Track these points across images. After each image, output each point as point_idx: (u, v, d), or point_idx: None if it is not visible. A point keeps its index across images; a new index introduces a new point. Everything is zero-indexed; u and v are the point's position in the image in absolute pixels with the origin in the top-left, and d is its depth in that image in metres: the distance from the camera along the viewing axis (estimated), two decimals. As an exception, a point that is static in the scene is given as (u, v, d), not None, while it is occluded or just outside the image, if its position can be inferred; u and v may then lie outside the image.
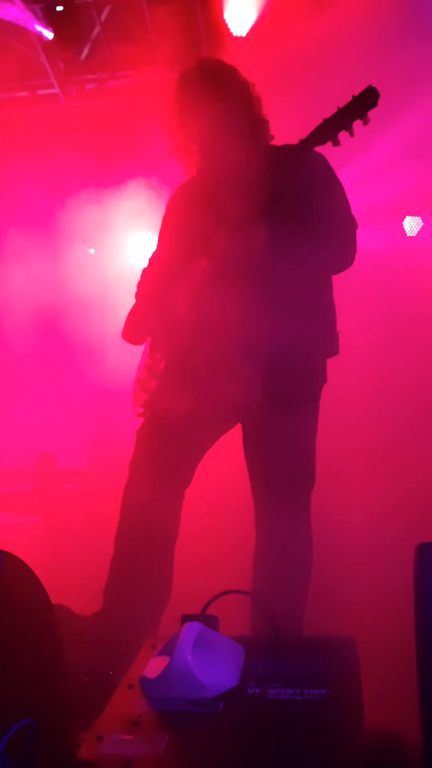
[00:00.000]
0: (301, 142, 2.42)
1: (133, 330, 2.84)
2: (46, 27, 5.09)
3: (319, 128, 2.38)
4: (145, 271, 2.90)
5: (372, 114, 2.39)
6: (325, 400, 2.66)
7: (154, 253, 2.93)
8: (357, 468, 3.58)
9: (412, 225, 5.89)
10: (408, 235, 5.84)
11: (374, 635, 2.18)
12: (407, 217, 5.85)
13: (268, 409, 2.54)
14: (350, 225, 2.59)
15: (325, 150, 2.61)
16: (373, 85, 2.33)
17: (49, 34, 5.11)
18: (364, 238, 2.67)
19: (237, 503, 2.82)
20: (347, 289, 2.93)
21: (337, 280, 2.72)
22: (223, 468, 2.96)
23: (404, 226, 5.87)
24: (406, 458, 3.72)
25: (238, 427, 2.70)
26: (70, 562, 3.61)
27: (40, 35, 5.18)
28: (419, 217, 5.84)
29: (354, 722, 1.58)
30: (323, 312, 2.63)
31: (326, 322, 2.63)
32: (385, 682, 1.99)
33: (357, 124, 2.35)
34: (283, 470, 2.53)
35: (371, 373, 4.22)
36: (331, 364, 2.68)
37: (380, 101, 2.33)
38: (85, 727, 1.64)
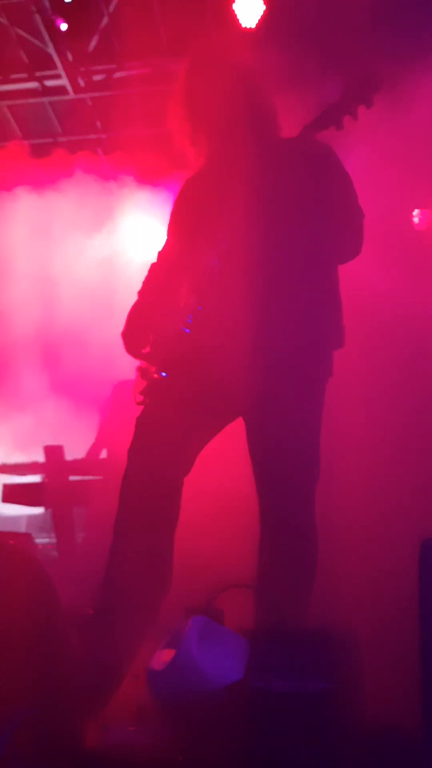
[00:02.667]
0: (305, 127, 2.42)
1: (131, 331, 2.79)
2: (57, 17, 5.10)
3: (322, 114, 2.38)
4: (153, 266, 2.91)
5: (382, 104, 2.39)
6: (329, 392, 2.66)
7: (163, 248, 2.93)
8: (360, 462, 3.58)
9: (421, 217, 5.89)
10: (417, 228, 5.84)
11: (377, 629, 2.20)
12: (416, 209, 5.85)
13: (272, 401, 2.54)
14: (355, 214, 2.57)
15: (334, 141, 2.61)
16: (382, 73, 2.34)
17: (63, 26, 5.10)
18: (372, 230, 2.66)
19: (242, 496, 2.83)
20: (355, 282, 2.93)
21: (344, 273, 2.71)
22: (228, 460, 2.97)
23: (413, 219, 5.86)
24: (409, 452, 3.72)
25: (242, 419, 2.70)
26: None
27: (48, 25, 5.18)
28: (429, 210, 5.83)
29: (355, 715, 1.60)
30: (329, 304, 2.63)
31: (332, 314, 2.63)
32: (387, 675, 2.01)
33: (361, 109, 2.36)
34: (287, 463, 2.53)
35: (375, 365, 4.21)
36: (335, 357, 2.68)
37: (391, 90, 2.34)
38: (92, 717, 1.67)
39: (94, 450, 5.19)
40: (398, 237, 5.01)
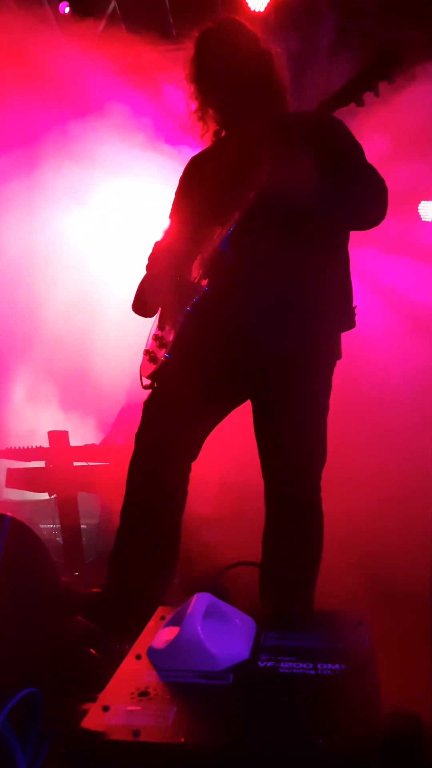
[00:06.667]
0: (323, 102, 2.35)
1: (142, 302, 2.80)
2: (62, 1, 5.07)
3: (342, 88, 2.31)
4: (157, 243, 2.86)
5: (389, 94, 2.32)
6: (337, 379, 2.61)
7: (168, 226, 2.88)
8: (370, 447, 3.56)
9: (427, 210, 5.85)
10: (423, 219, 5.80)
11: (389, 615, 2.14)
12: (422, 202, 5.81)
13: (279, 384, 2.50)
14: (373, 181, 2.45)
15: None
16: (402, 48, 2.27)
17: (66, 9, 5.06)
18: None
19: (248, 480, 2.79)
20: (362, 271, 2.88)
21: (352, 263, 2.66)
22: (235, 445, 2.93)
23: (419, 211, 5.83)
24: (420, 442, 3.69)
25: (249, 404, 2.65)
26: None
27: (54, 9, 5.15)
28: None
29: (370, 699, 1.53)
30: (338, 285, 2.58)
31: (341, 295, 2.58)
32: (399, 662, 1.95)
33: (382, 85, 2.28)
34: (293, 446, 2.49)
35: (382, 354, 4.19)
36: (343, 343, 2.63)
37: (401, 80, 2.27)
38: (91, 698, 1.61)
39: (110, 438, 5.16)
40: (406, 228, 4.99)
